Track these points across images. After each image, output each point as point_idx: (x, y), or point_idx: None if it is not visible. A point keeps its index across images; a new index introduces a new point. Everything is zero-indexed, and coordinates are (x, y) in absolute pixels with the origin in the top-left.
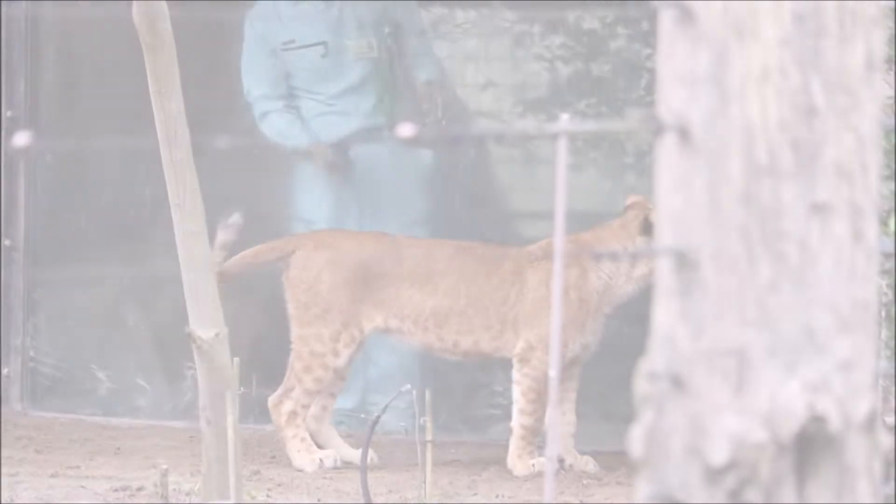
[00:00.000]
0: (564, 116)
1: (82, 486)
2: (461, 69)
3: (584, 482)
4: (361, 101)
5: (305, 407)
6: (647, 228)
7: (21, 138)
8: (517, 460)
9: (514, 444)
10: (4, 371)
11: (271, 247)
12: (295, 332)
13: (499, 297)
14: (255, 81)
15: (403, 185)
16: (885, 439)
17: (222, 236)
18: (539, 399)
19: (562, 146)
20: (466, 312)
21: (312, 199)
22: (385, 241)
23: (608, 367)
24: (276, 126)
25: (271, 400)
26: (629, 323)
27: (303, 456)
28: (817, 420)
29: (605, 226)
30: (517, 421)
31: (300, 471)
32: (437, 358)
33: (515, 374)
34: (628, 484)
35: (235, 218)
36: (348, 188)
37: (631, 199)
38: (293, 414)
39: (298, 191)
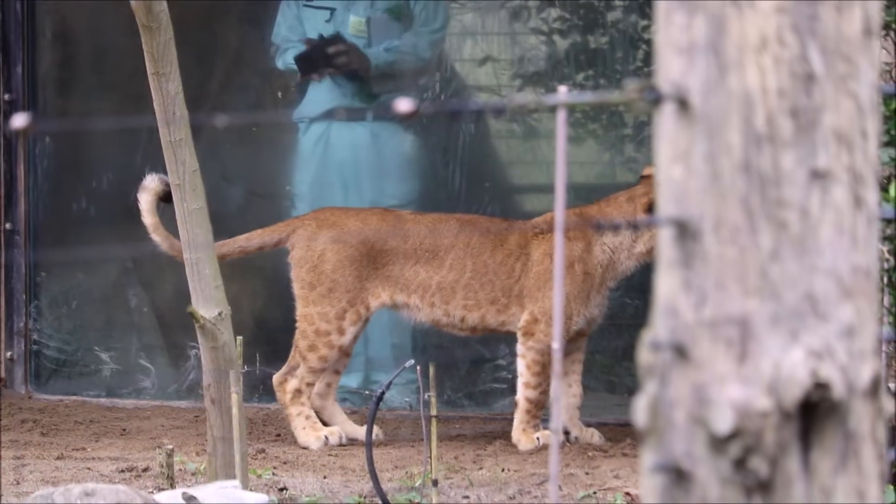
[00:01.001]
0: (563, 89)
1: (88, 468)
2: (459, 44)
3: (590, 454)
4: (345, 78)
5: (310, 385)
6: (652, 209)
7: (19, 119)
8: (521, 434)
9: (519, 418)
10: (8, 354)
11: (270, 231)
12: (300, 310)
13: (504, 271)
14: (280, 25)
15: (389, 162)
16: (889, 405)
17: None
18: (544, 372)
19: (561, 118)
20: (472, 286)
21: (301, 175)
22: (388, 217)
23: (611, 339)
24: (288, 59)
25: (276, 378)
26: (631, 294)
27: (308, 433)
28: (821, 387)
29: (611, 199)
30: (522, 394)
31: (305, 448)
32: (442, 333)
33: (520, 348)
34: (633, 455)
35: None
36: (336, 165)
37: (647, 171)
38: (298, 392)
39: (291, 166)
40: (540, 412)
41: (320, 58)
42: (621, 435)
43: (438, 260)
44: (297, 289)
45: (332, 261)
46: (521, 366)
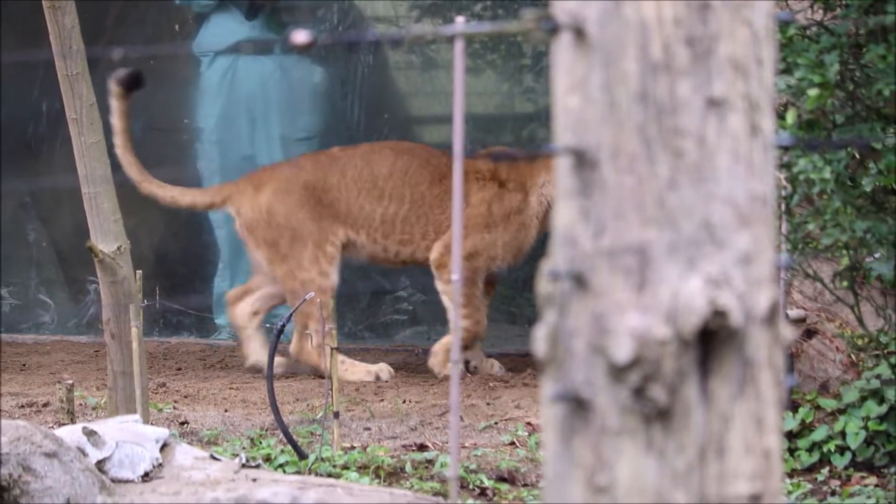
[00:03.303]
0: (460, 19)
1: None
2: None
3: (490, 385)
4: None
5: (326, 335)
6: None
7: None
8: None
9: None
10: None
11: (204, 192)
12: (278, 273)
13: (438, 207)
14: None
15: (297, 95)
16: (786, 332)
17: None
18: (471, 303)
19: (459, 49)
20: (409, 219)
21: (207, 109)
22: (321, 157)
23: (512, 270)
24: None
25: (293, 349)
26: None
27: (357, 370)
28: (719, 315)
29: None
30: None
31: (361, 382)
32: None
33: (439, 284)
34: (534, 385)
35: None
36: (240, 99)
37: None
38: (320, 347)
39: (193, 101)
40: (473, 342)
41: None
42: (522, 365)
43: (378, 191)
44: (263, 254)
45: (282, 211)
46: (446, 300)
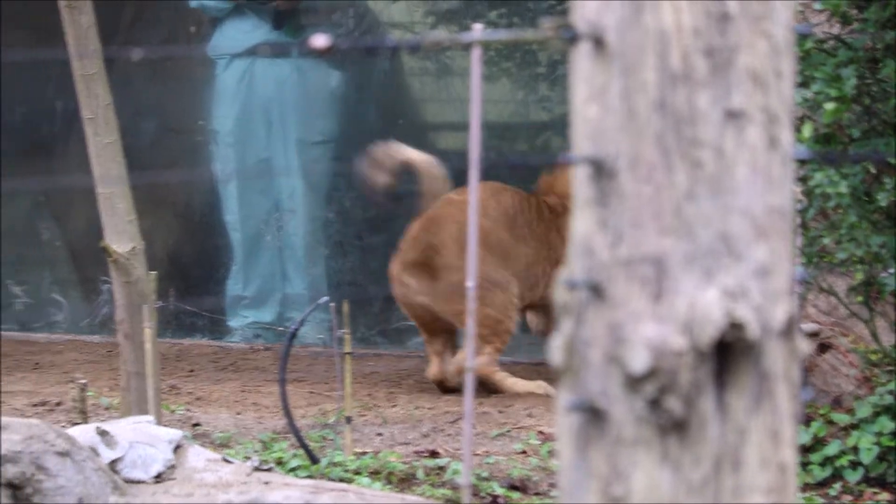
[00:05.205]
0: (478, 26)
1: (1, 402)
2: None
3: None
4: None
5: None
6: None
7: None
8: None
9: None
10: None
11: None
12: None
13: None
14: None
15: (313, 99)
16: (803, 345)
17: None
18: None
19: (476, 56)
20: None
21: (224, 111)
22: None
23: None
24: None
25: (455, 362)
26: None
27: (525, 384)
28: (735, 327)
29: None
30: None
31: (527, 394)
32: (356, 270)
33: None
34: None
35: None
36: (257, 102)
37: None
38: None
39: (209, 103)
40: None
41: None
42: (535, 375)
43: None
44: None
45: None
46: None
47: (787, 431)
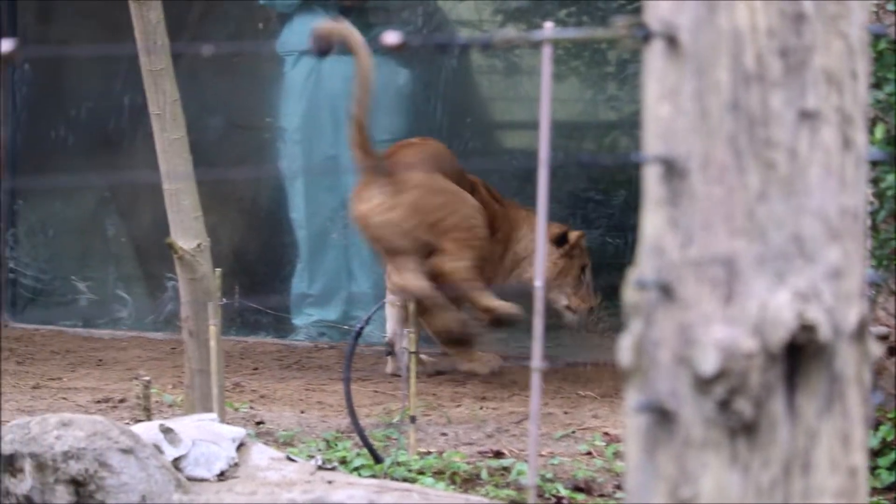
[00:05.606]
0: (549, 24)
1: (64, 398)
2: None
3: (580, 393)
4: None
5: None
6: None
7: (6, 45)
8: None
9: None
10: None
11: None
12: None
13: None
14: None
15: (381, 97)
16: (875, 348)
17: None
18: None
19: (547, 55)
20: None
21: (291, 108)
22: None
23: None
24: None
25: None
26: (612, 234)
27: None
28: (807, 329)
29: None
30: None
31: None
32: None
33: None
34: (613, 395)
35: None
36: (324, 99)
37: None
38: None
39: (276, 100)
40: None
41: None
42: (601, 375)
43: None
44: None
45: None
46: None
47: (857, 435)
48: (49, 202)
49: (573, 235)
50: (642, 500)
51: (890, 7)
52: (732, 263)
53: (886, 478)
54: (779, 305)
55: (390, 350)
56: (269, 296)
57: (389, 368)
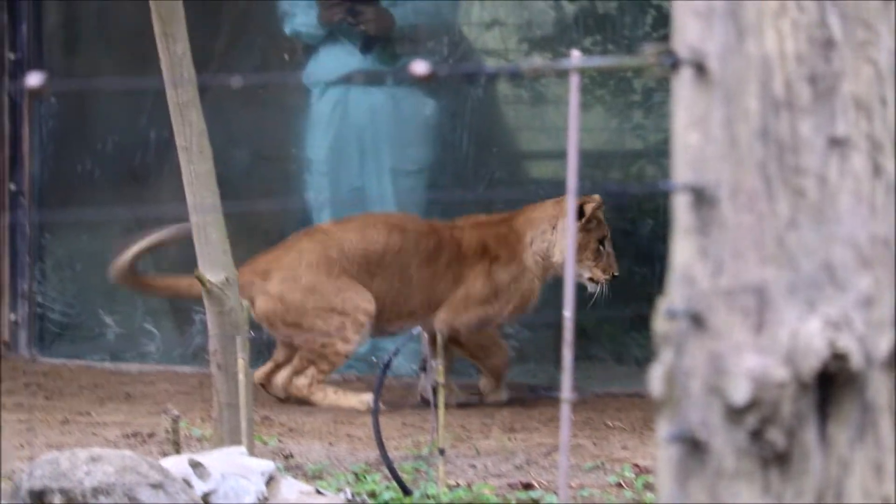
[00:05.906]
0: (576, 53)
1: (93, 433)
2: (467, 8)
3: (609, 424)
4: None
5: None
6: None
7: (34, 78)
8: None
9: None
10: (12, 317)
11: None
12: None
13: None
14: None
15: (407, 127)
16: None
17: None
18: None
19: (574, 84)
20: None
21: (318, 140)
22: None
23: (619, 308)
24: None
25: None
26: (639, 263)
27: (349, 399)
28: (839, 358)
29: (538, 204)
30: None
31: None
32: None
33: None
34: (642, 427)
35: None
36: (351, 130)
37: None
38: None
39: (302, 131)
40: None
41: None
42: (630, 406)
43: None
44: None
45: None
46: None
47: (890, 464)
48: (76, 236)
49: (589, 207)
50: None
51: None
52: (763, 292)
53: None
54: (810, 334)
55: (423, 366)
56: None
57: (420, 386)
